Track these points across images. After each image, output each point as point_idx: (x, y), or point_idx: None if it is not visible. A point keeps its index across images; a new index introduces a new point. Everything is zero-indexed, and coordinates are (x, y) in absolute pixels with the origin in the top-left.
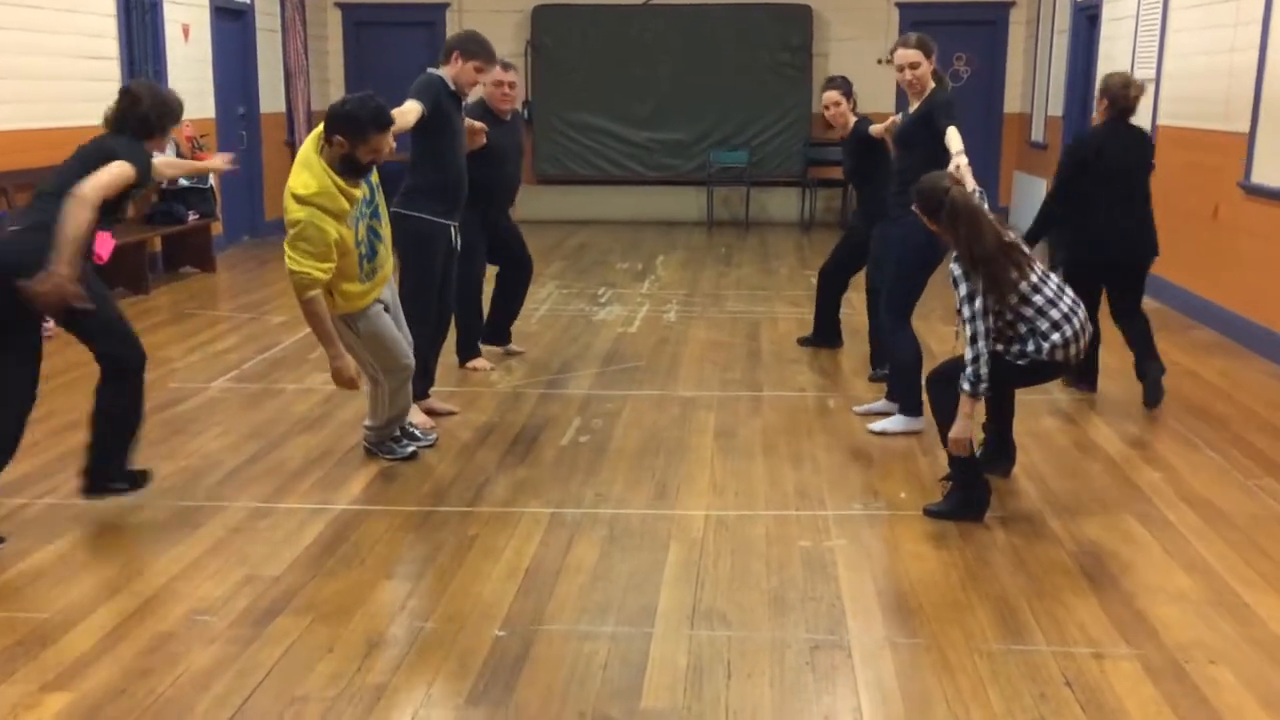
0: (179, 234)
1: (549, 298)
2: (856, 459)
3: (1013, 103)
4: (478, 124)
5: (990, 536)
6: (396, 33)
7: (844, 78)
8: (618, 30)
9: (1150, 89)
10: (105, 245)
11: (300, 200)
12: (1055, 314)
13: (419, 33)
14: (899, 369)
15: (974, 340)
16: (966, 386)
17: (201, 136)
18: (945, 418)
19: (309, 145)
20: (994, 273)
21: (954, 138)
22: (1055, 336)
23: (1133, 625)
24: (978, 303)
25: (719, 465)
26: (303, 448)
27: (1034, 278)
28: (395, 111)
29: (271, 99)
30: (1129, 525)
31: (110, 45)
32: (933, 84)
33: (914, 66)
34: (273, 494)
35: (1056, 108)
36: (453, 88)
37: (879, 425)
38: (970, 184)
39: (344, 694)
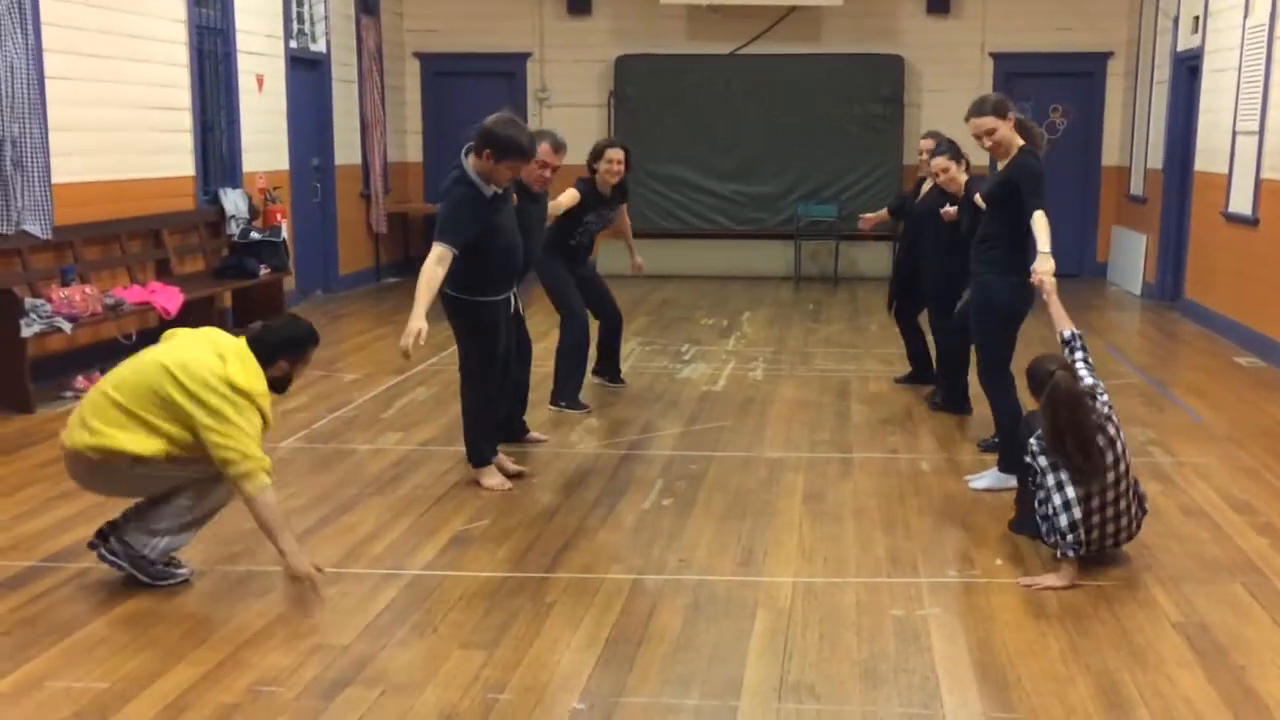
0: (250, 288)
1: (632, 354)
2: (951, 524)
3: (1111, 155)
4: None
5: (1091, 606)
6: (475, 83)
7: (950, 141)
8: (703, 80)
9: (1254, 141)
10: (173, 300)
11: (239, 393)
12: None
13: (498, 83)
14: (1002, 430)
15: (1068, 508)
16: (1070, 553)
17: (275, 189)
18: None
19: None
20: (1080, 464)
21: (1040, 229)
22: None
23: (1243, 702)
24: (1062, 474)
25: (807, 530)
26: (374, 510)
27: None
28: (422, 286)
29: (347, 150)
30: (1237, 595)
31: (183, 96)
32: (1020, 142)
33: (990, 133)
34: (343, 559)
35: (1156, 160)
36: (485, 191)
37: (981, 483)
38: (1059, 317)
39: None
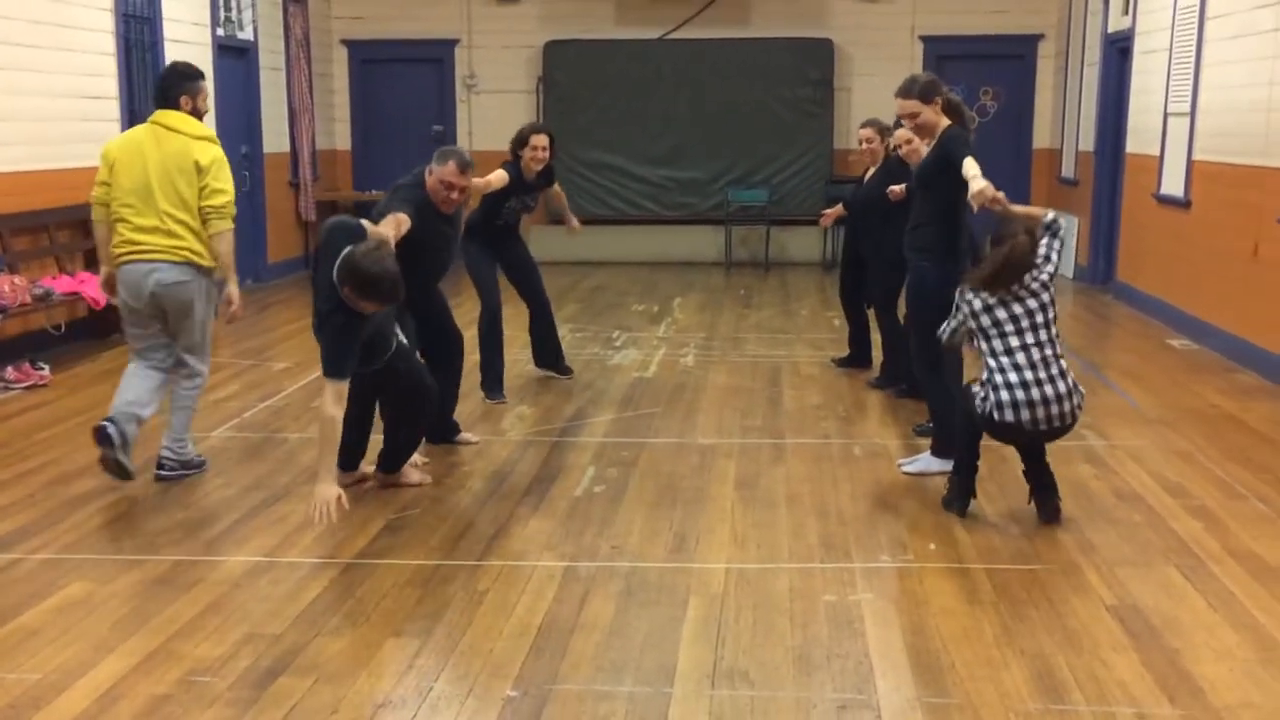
0: None
1: (563, 341)
2: (884, 509)
3: (1042, 138)
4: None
5: (1025, 590)
6: (403, 70)
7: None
8: (632, 66)
9: (1185, 123)
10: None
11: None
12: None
13: (427, 70)
14: (936, 415)
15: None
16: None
17: None
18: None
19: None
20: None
21: (970, 165)
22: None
23: (1177, 684)
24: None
25: (740, 516)
26: (306, 499)
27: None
28: (327, 441)
29: (275, 138)
30: (1171, 578)
31: (110, 85)
32: (945, 123)
33: (913, 116)
34: (275, 548)
35: (1087, 143)
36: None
37: (913, 467)
38: (1029, 213)
39: None
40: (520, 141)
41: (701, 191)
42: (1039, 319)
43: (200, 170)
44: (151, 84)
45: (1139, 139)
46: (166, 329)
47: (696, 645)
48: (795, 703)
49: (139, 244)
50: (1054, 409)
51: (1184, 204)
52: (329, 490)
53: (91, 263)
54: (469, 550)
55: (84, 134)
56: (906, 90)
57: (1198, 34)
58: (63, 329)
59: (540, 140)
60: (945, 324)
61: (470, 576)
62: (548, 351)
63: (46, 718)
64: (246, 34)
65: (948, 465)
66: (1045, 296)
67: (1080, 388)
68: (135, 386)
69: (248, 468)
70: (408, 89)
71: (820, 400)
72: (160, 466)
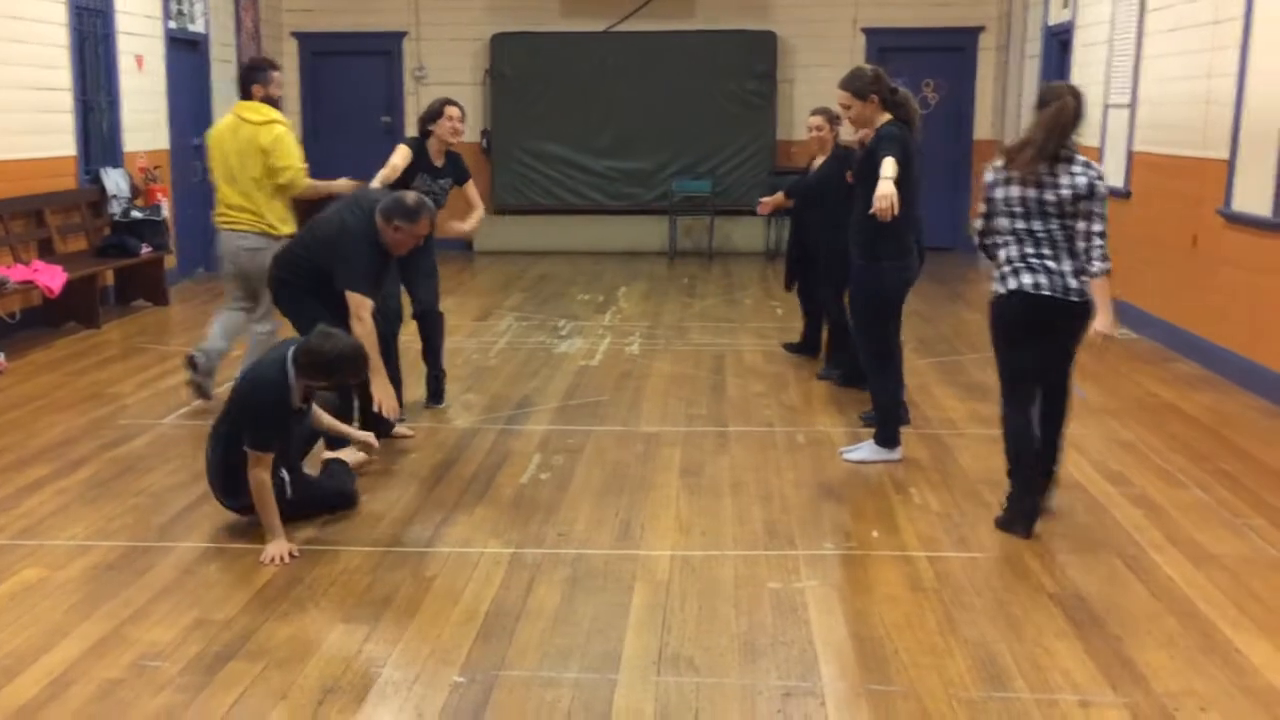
0: (131, 267)
1: (508, 330)
2: (827, 496)
3: (983, 129)
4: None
5: (968, 578)
6: (353, 62)
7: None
8: (578, 58)
9: (1125, 115)
10: (56, 279)
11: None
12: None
13: (376, 62)
14: (880, 404)
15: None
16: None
17: (155, 168)
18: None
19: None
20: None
21: (886, 165)
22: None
23: (1119, 672)
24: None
25: (685, 503)
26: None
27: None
28: (265, 503)
29: None
30: (1113, 566)
31: (63, 76)
32: (884, 119)
33: (846, 108)
34: (225, 534)
35: None
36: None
37: (855, 455)
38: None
39: None
40: (433, 115)
41: (646, 182)
42: (1052, 210)
43: (264, 152)
44: (104, 76)
45: (1079, 130)
46: (248, 286)
47: (642, 632)
48: (740, 690)
49: (229, 216)
50: (1057, 281)
51: (1124, 194)
52: (282, 546)
53: (46, 251)
54: (417, 537)
55: (37, 125)
56: (843, 82)
57: (1138, 27)
58: (17, 317)
59: (455, 111)
60: (976, 220)
61: (418, 563)
62: (432, 367)
63: None
64: (198, 26)
65: (890, 454)
66: (1066, 194)
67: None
68: (221, 326)
69: (198, 455)
70: (357, 81)
71: (763, 388)
72: (191, 363)
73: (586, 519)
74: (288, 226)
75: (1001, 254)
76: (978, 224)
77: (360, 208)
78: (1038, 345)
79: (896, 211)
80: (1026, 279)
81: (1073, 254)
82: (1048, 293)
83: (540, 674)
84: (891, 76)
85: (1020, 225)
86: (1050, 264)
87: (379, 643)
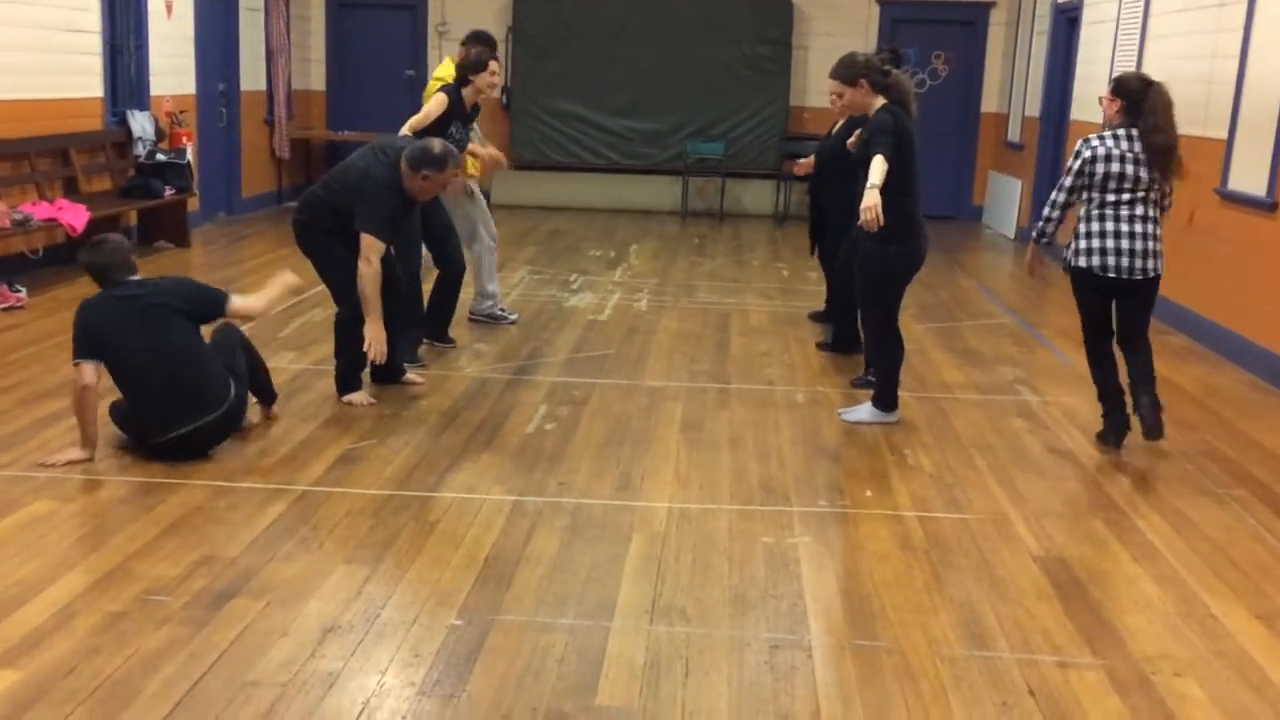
0: (154, 208)
1: (521, 283)
2: (823, 455)
3: (990, 103)
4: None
5: (955, 539)
6: (378, 14)
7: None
8: (599, 18)
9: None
10: (80, 217)
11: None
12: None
13: (400, 15)
14: (881, 369)
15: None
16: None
17: (181, 112)
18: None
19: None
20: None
21: (873, 168)
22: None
23: (1098, 634)
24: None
25: (684, 457)
26: (266, 426)
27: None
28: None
29: (252, 77)
30: (1098, 532)
31: (92, 19)
32: (878, 103)
33: (838, 96)
34: (234, 473)
35: (1034, 109)
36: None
37: (853, 416)
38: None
39: (295, 680)
40: (477, 66)
41: (661, 143)
42: (1143, 188)
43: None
44: (133, 20)
45: (1084, 106)
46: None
47: (637, 581)
48: (730, 640)
49: None
50: (1124, 261)
51: None
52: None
53: (71, 190)
54: (421, 482)
55: (65, 66)
56: (833, 71)
57: (1144, 6)
58: (40, 254)
59: (496, 65)
60: (1055, 196)
61: (421, 508)
62: (439, 318)
63: (4, 630)
64: None
65: (887, 417)
66: (1154, 174)
67: (1160, 253)
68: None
69: None
70: (382, 34)
71: (767, 347)
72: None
73: (588, 469)
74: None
75: (1082, 226)
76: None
77: (385, 154)
78: None
79: (881, 223)
80: (1095, 261)
81: None
82: (1114, 275)
83: (536, 619)
84: (900, 48)
85: (1111, 199)
86: (1138, 244)
87: (380, 584)
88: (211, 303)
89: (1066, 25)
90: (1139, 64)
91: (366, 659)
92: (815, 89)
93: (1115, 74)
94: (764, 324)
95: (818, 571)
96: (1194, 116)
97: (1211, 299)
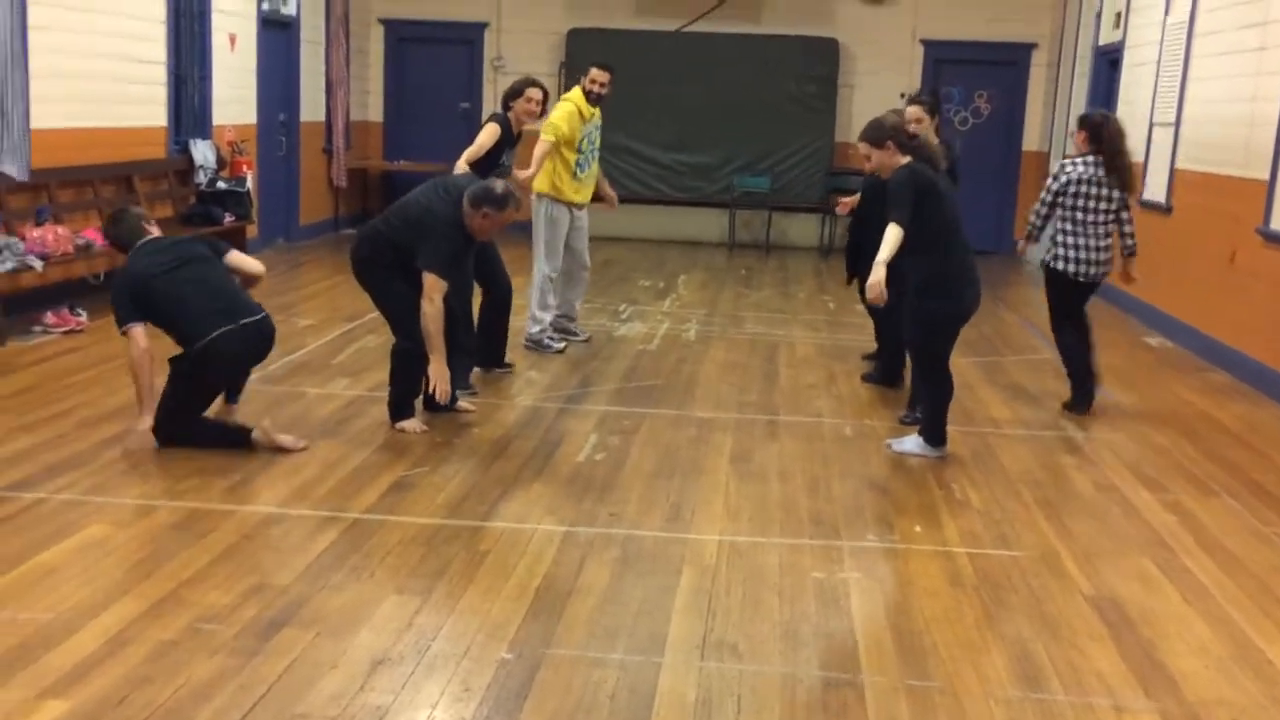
0: (214, 235)
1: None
2: (871, 489)
3: (1031, 141)
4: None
5: (1006, 576)
6: (435, 49)
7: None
8: (649, 55)
9: (1170, 133)
10: None
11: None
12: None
13: (457, 50)
14: (929, 406)
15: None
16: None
17: (242, 141)
18: None
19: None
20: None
21: (886, 240)
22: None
23: (1152, 677)
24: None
25: (734, 489)
26: (320, 453)
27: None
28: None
29: (312, 108)
30: (1147, 569)
31: (158, 50)
32: (901, 161)
33: (866, 158)
34: (286, 500)
35: (1074, 148)
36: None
37: (902, 446)
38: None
39: (344, 714)
40: (514, 93)
41: (709, 176)
42: (1105, 205)
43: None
44: (197, 52)
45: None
46: None
47: (688, 615)
48: (782, 678)
49: None
50: (1093, 270)
51: (1165, 210)
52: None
53: None
54: (472, 511)
55: (129, 95)
56: (862, 134)
57: (1185, 49)
58: (101, 279)
59: (535, 93)
60: (1037, 206)
61: (473, 537)
62: (492, 346)
63: (56, 658)
64: (290, 9)
65: (935, 451)
66: (1119, 199)
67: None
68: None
69: (271, 418)
70: (439, 67)
71: (814, 380)
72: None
73: (638, 500)
74: (568, 193)
75: (1065, 238)
76: (1041, 212)
77: (448, 192)
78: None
79: (885, 300)
80: (1072, 268)
81: None
82: (1083, 279)
83: (587, 654)
84: (941, 88)
85: (1081, 217)
86: (1102, 254)
87: (431, 615)
88: (218, 243)
89: (1108, 67)
90: (1180, 104)
91: (417, 692)
92: (859, 126)
93: (1080, 113)
94: (811, 355)
95: (869, 608)
96: (1234, 158)
97: (1253, 337)
